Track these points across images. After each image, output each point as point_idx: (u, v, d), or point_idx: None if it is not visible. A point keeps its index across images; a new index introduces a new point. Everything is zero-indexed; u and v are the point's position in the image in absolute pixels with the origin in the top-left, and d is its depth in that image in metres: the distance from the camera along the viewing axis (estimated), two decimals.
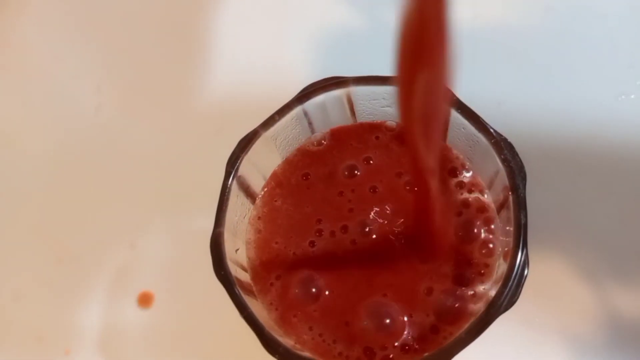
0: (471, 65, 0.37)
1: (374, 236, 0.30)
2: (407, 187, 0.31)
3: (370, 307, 0.28)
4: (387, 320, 0.27)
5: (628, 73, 0.40)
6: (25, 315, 0.39)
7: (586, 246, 0.36)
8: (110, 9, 0.47)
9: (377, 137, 0.32)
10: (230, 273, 0.28)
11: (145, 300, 0.38)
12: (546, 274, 0.34)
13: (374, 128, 0.32)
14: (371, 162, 0.32)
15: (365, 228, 0.30)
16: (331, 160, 0.32)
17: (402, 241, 0.29)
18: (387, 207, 0.30)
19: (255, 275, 0.30)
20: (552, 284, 0.35)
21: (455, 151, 0.31)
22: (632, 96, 0.39)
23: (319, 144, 0.33)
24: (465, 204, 0.29)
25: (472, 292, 0.27)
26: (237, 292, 0.27)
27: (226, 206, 0.29)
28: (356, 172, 0.32)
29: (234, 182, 0.30)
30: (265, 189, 0.32)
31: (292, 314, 0.29)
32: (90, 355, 0.37)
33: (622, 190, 0.37)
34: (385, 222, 0.30)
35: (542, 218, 0.35)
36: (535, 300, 0.33)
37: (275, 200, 0.32)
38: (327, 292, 0.29)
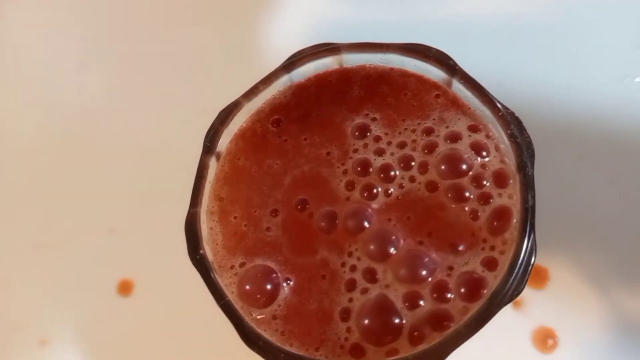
0: (472, 45, 0.35)
1: (370, 207, 0.26)
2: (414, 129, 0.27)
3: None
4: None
5: (633, 55, 0.37)
6: (1, 303, 0.37)
7: (590, 234, 0.34)
8: None
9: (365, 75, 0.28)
10: (205, 257, 0.25)
11: (125, 288, 0.37)
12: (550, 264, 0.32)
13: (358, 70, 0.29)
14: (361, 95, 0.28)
15: (359, 192, 0.26)
16: (307, 101, 0.28)
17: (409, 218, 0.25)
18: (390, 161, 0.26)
19: (217, 256, 0.26)
20: (557, 275, 0.33)
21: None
22: (637, 79, 0.37)
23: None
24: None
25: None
26: (213, 277, 0.25)
27: (203, 184, 0.26)
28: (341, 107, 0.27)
29: (213, 157, 0.27)
30: (229, 144, 0.28)
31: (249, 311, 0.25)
32: (68, 344, 0.36)
33: (627, 174, 0.35)
34: (389, 187, 0.26)
35: (544, 203, 0.32)
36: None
37: (239, 158, 0.28)
38: (289, 288, 0.25)
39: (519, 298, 0.33)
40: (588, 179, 0.35)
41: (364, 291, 0.24)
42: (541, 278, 0.34)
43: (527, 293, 0.34)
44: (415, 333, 0.23)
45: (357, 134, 0.27)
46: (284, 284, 0.25)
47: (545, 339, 0.33)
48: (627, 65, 0.37)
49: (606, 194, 0.35)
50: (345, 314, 0.24)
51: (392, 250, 0.24)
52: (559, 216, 0.35)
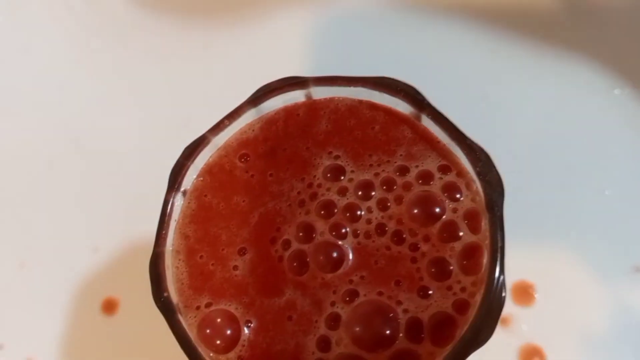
0: (445, 77, 0.35)
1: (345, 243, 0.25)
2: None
3: None
4: None
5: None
6: None
7: (577, 249, 0.34)
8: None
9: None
10: (169, 300, 0.24)
11: (109, 306, 0.37)
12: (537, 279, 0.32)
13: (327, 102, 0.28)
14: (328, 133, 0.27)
15: (332, 231, 0.25)
16: (275, 135, 0.27)
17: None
18: (359, 192, 0.25)
19: (183, 297, 0.25)
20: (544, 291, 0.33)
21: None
22: (616, 90, 0.37)
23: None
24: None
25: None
26: (177, 320, 0.24)
27: (168, 223, 0.26)
28: (307, 147, 0.27)
29: (179, 194, 0.26)
30: (195, 180, 0.27)
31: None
32: None
33: (611, 182, 0.35)
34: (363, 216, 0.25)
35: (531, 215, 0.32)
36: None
37: (205, 195, 0.27)
38: (252, 331, 0.24)
39: (505, 315, 0.34)
40: (572, 192, 0.35)
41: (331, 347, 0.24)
42: (528, 294, 0.34)
43: (514, 310, 0.34)
44: None
45: (323, 169, 0.26)
46: (246, 328, 0.24)
47: (532, 357, 0.33)
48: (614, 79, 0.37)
49: (591, 206, 0.35)
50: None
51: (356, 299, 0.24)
52: (546, 231, 0.35)
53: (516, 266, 0.33)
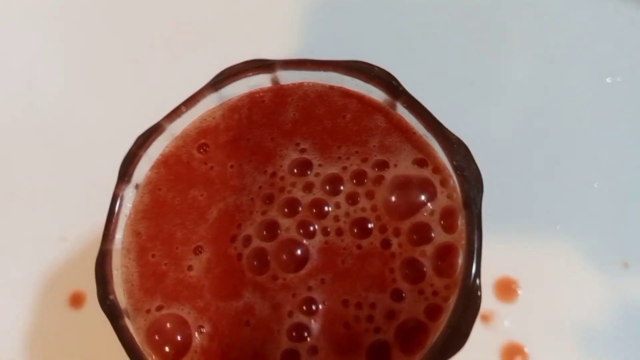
0: (420, 62, 0.33)
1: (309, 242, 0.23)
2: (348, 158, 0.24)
3: None
4: None
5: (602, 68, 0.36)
6: None
7: (562, 244, 0.33)
8: None
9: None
10: (116, 304, 0.22)
11: (76, 300, 0.35)
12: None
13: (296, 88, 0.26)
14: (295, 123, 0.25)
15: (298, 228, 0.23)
16: (238, 123, 0.25)
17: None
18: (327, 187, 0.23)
19: (132, 299, 0.23)
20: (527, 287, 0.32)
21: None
22: (608, 79, 0.35)
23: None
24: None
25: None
26: (125, 327, 0.22)
27: (117, 218, 0.24)
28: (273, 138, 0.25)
29: (131, 187, 0.24)
30: (149, 172, 0.25)
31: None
32: (17, 358, 0.34)
33: (600, 177, 0.33)
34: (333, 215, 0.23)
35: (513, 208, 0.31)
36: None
37: (159, 188, 0.25)
38: (206, 337, 0.22)
39: (487, 312, 0.32)
40: (559, 185, 0.33)
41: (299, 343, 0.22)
42: (511, 290, 0.33)
43: (497, 306, 0.33)
44: None
45: (289, 164, 0.24)
46: (198, 333, 0.22)
47: (513, 356, 0.32)
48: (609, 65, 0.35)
49: (578, 200, 0.33)
50: None
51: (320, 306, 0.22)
52: (531, 226, 0.33)
53: (500, 262, 0.32)
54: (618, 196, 0.34)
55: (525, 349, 0.32)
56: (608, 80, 0.35)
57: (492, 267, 0.32)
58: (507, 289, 0.33)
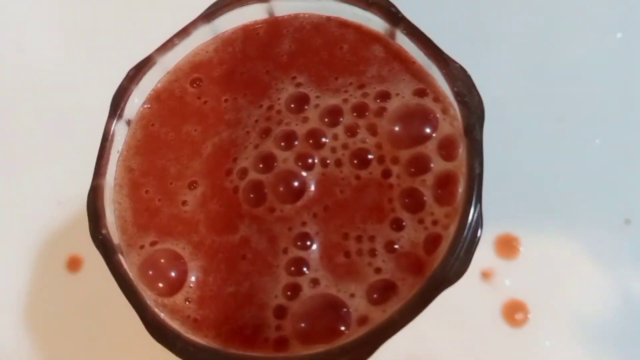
0: None
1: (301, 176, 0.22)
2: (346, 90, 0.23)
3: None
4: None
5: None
6: None
7: (563, 200, 0.32)
8: None
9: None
10: (108, 238, 0.22)
11: (74, 264, 0.34)
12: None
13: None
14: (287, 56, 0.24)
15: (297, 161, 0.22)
16: (232, 57, 0.24)
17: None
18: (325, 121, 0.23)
19: (125, 235, 0.23)
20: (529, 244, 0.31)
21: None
22: (619, 34, 0.33)
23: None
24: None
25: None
26: (115, 262, 0.22)
27: (108, 153, 0.23)
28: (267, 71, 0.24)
29: (123, 123, 0.24)
30: (141, 107, 0.24)
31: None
32: (13, 324, 0.33)
33: (603, 132, 0.32)
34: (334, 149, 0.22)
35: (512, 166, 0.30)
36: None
37: (152, 124, 0.24)
38: (196, 277, 0.22)
39: (488, 269, 0.31)
40: (560, 139, 0.32)
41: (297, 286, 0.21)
42: (512, 247, 0.32)
43: (498, 263, 0.32)
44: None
45: (285, 98, 0.23)
46: (193, 268, 0.22)
47: (515, 312, 0.31)
48: (604, 18, 0.34)
49: (580, 155, 0.32)
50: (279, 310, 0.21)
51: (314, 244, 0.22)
52: (532, 182, 0.32)
53: (500, 218, 0.31)
54: (621, 153, 0.33)
55: (527, 306, 0.31)
56: (619, 35, 0.34)
57: (492, 224, 0.31)
58: (507, 246, 0.32)
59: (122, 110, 0.23)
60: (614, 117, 0.33)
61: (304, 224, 0.22)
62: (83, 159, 0.35)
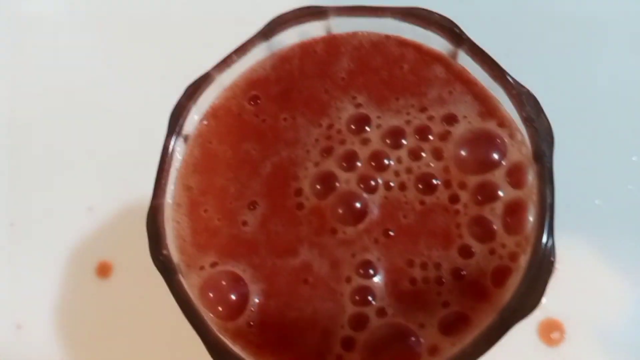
0: (479, 9, 0.31)
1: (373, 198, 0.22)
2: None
3: None
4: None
5: None
6: None
7: (608, 218, 0.31)
8: None
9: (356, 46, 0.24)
10: (169, 258, 0.21)
11: (103, 270, 0.35)
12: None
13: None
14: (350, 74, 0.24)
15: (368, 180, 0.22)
16: (289, 74, 0.24)
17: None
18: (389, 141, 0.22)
19: (184, 255, 0.22)
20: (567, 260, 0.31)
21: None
22: None
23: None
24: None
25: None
26: (177, 281, 0.21)
27: (167, 172, 0.23)
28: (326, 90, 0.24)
29: (180, 140, 0.23)
30: (198, 124, 0.24)
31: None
32: (44, 330, 0.34)
33: None
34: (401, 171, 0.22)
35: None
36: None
37: (210, 141, 0.24)
38: (257, 301, 0.22)
39: None
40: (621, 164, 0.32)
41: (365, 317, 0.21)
42: None
43: None
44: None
45: (346, 119, 0.23)
46: (254, 292, 0.22)
47: (551, 331, 0.31)
48: None
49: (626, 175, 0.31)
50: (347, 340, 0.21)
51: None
52: (573, 197, 0.32)
53: None
54: None
55: (563, 325, 0.31)
56: None
57: None
58: None
59: (181, 127, 0.23)
60: None
61: (365, 249, 0.22)
62: (114, 165, 0.35)
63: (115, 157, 0.36)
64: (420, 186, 0.22)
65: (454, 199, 0.21)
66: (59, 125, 0.37)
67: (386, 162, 0.22)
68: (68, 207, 0.35)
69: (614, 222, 0.32)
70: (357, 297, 0.21)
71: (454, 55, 0.23)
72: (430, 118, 0.23)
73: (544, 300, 0.30)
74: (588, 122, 0.32)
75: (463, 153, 0.22)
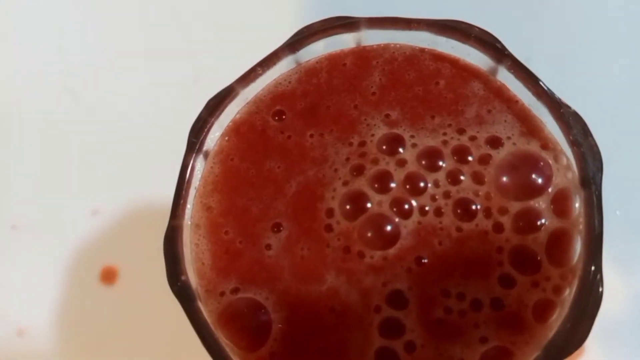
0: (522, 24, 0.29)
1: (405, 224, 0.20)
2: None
3: None
4: None
5: None
6: None
7: None
8: None
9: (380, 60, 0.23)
10: (188, 285, 0.20)
11: (108, 276, 0.34)
12: None
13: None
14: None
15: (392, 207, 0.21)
16: (317, 89, 0.23)
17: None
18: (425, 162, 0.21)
19: (203, 280, 0.21)
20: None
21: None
22: None
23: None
24: None
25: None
26: (199, 310, 0.20)
27: (187, 191, 0.21)
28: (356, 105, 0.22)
29: (200, 156, 0.22)
30: (219, 139, 0.23)
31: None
32: (46, 336, 0.33)
33: None
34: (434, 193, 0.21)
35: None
36: None
37: (232, 158, 0.23)
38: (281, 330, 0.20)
39: None
40: None
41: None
42: None
43: None
44: None
45: (378, 139, 0.22)
46: (277, 320, 0.20)
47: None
48: None
49: None
50: None
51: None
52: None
53: None
54: None
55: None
56: None
57: None
58: None
59: (202, 144, 0.22)
60: None
61: (396, 276, 0.20)
62: (119, 169, 0.34)
63: (121, 159, 0.35)
64: (458, 211, 0.20)
65: (496, 227, 0.20)
66: (65, 126, 0.36)
67: (422, 184, 0.21)
68: (72, 210, 0.35)
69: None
70: (385, 330, 0.20)
71: (493, 72, 0.22)
72: (473, 139, 0.21)
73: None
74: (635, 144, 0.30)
75: (505, 177, 0.20)
